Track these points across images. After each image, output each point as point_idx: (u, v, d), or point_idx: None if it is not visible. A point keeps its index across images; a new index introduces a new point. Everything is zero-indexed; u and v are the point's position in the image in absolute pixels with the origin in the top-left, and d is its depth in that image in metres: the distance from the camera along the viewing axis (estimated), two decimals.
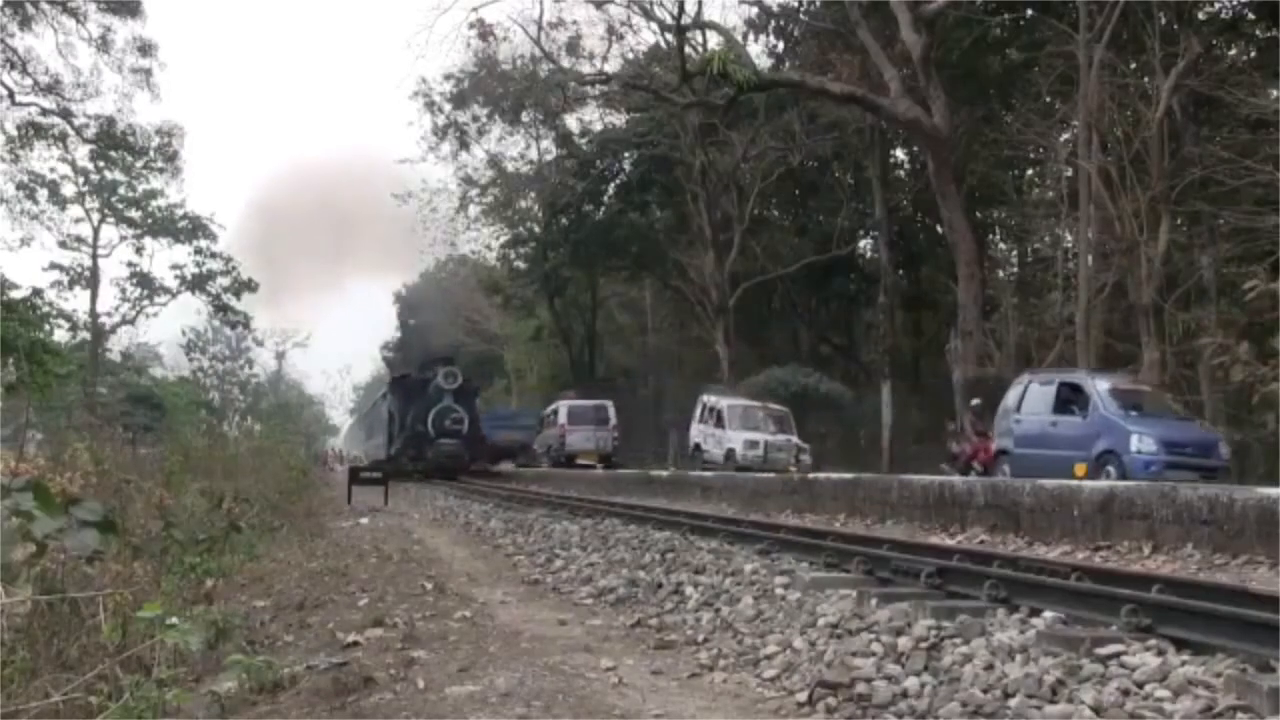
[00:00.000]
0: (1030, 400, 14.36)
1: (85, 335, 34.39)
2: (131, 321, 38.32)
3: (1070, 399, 13.67)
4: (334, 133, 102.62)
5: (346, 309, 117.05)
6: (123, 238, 36.28)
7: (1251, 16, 21.01)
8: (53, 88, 29.02)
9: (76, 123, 30.78)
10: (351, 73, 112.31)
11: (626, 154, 31.99)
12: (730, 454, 20.80)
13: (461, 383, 28.47)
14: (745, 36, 27.42)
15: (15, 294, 21.36)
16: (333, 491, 17.11)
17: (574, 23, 29.15)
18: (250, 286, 36.87)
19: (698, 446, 22.89)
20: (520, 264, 38.60)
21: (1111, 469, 12.24)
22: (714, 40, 24.40)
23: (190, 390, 40.70)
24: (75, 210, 35.64)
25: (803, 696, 3.57)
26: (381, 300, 71.50)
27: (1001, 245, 31.57)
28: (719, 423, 22.02)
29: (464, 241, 41.33)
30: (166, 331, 49.98)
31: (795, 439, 21.50)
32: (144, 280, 37.05)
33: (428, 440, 27.06)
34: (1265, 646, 3.36)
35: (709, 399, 23.38)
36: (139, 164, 34.36)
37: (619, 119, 33.42)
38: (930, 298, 29.92)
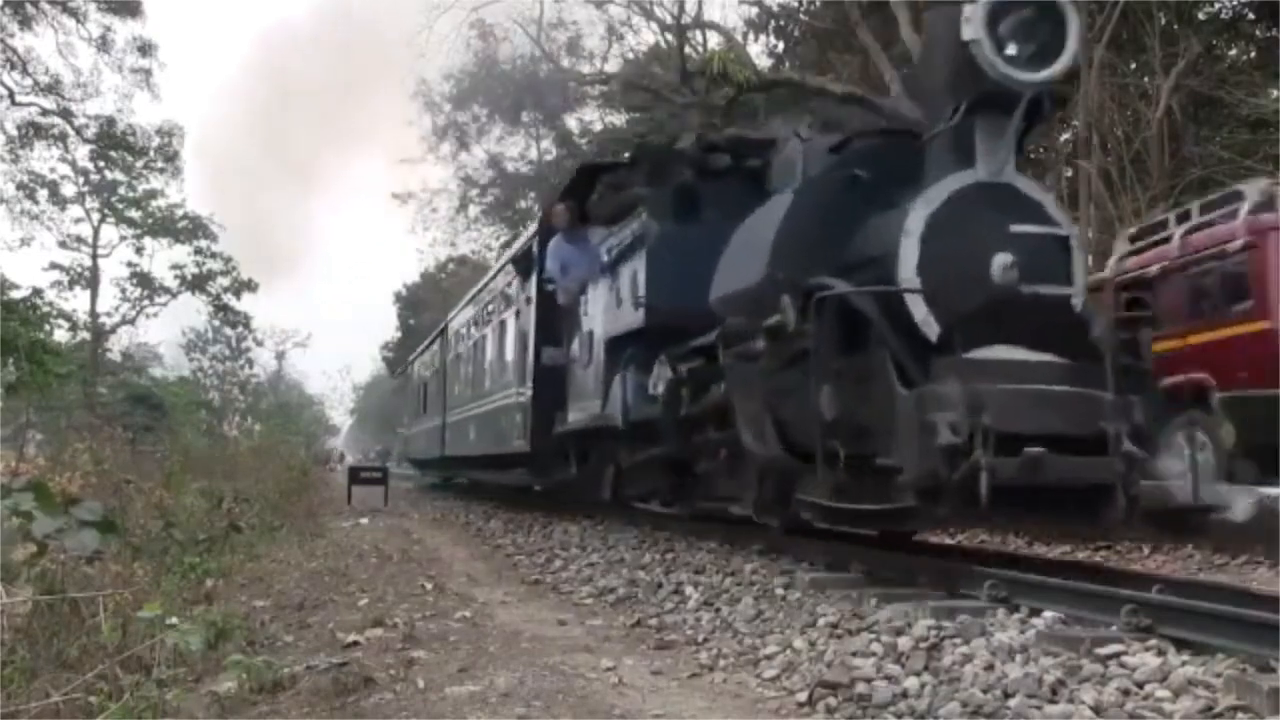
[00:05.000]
0: None
1: (85, 335, 34.34)
2: (131, 321, 38.26)
3: None
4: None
5: (346, 309, 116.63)
6: (123, 238, 36.22)
7: (1251, 16, 21.00)
8: (53, 88, 29.02)
9: (76, 123, 30.80)
10: None
11: (626, 154, 31.94)
12: None
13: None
14: (745, 36, 27.42)
15: (15, 294, 21.30)
16: (332, 492, 17.10)
17: (574, 23, 29.15)
18: (250, 286, 36.82)
19: None
20: None
21: None
22: (714, 40, 24.43)
23: (190, 390, 40.61)
24: (75, 210, 35.59)
25: (803, 696, 3.57)
26: (382, 300, 71.43)
27: None
28: None
29: (464, 241, 41.33)
30: (166, 331, 50.02)
31: None
32: (144, 280, 36.97)
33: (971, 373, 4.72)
34: (1265, 647, 3.36)
35: None
36: (139, 164, 34.34)
37: (619, 119, 33.41)
38: None
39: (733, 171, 7.91)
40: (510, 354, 12.22)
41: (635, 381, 7.79)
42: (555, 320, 10.09)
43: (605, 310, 8.61)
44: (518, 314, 11.90)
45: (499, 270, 13.91)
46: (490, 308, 14.01)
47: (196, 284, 36.57)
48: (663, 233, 7.72)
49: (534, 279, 10.77)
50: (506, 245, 23.32)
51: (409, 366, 26.44)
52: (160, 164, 34.61)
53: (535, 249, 10.82)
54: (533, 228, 11.69)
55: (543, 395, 10.22)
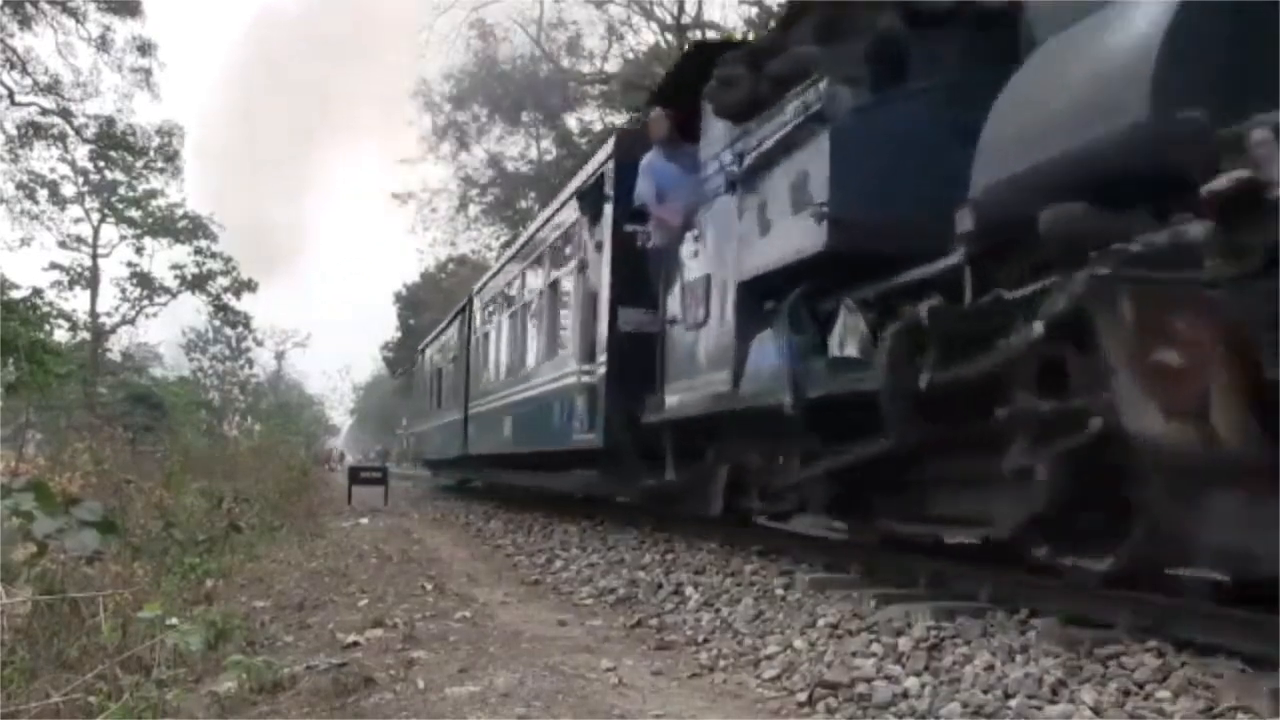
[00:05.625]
0: None
1: (85, 335, 34.36)
2: (131, 321, 38.33)
3: None
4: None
5: (346, 309, 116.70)
6: (123, 238, 36.29)
7: None
8: (53, 88, 29.14)
9: (76, 123, 30.92)
10: None
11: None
12: None
13: None
14: (745, 36, 27.47)
15: (15, 294, 21.33)
16: (332, 492, 17.12)
17: (574, 23, 29.22)
18: (250, 286, 36.85)
19: None
20: None
21: None
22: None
23: (190, 390, 40.65)
24: (75, 210, 35.70)
25: (803, 696, 3.57)
26: (382, 300, 71.50)
27: None
28: None
29: (464, 241, 41.36)
30: (166, 331, 50.08)
31: None
32: (144, 280, 37.02)
33: None
34: (1265, 646, 3.36)
35: None
36: (139, 164, 34.37)
37: (619, 119, 33.44)
38: None
39: (961, 16, 5.17)
40: (570, 321, 9.39)
41: (804, 342, 5.23)
42: (641, 270, 7.55)
43: (741, 242, 5.95)
44: (582, 267, 9.05)
45: (553, 215, 10.53)
46: (537, 266, 10.88)
47: (196, 284, 36.61)
48: (858, 106, 5.02)
49: (607, 219, 8.15)
50: (507, 245, 23.19)
51: (419, 355, 23.50)
52: (160, 164, 34.67)
53: (609, 180, 8.22)
54: (606, 149, 8.70)
55: (621, 372, 7.76)
